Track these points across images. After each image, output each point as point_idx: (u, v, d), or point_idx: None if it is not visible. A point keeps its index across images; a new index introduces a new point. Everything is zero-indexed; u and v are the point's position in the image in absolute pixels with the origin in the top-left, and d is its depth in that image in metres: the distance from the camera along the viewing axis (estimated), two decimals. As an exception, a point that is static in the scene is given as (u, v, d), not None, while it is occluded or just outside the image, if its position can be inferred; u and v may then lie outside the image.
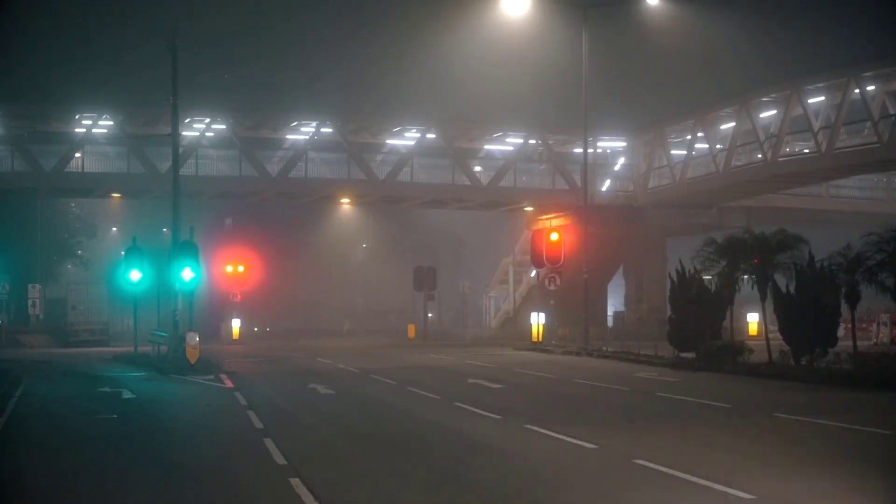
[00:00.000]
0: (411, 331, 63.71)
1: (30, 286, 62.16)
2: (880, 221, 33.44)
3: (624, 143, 62.53)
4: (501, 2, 46.23)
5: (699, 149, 57.12)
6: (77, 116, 55.07)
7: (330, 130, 57.82)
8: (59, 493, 13.62)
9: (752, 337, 44.49)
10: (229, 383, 29.37)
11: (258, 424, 19.77)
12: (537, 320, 49.18)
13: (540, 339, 48.17)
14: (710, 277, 34.86)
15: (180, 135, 42.93)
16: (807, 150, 50.14)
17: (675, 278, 36.14)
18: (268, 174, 56.43)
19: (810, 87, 49.06)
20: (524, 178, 61.32)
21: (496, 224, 75.57)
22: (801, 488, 12.74)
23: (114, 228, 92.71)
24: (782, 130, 50.32)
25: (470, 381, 29.03)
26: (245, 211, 75.13)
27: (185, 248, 35.13)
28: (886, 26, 52.98)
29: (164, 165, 48.89)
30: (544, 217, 61.13)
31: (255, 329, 76.67)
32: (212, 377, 31.63)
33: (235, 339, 61.03)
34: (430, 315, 68.72)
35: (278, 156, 58.44)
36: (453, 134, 59.55)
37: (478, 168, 60.94)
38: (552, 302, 51.41)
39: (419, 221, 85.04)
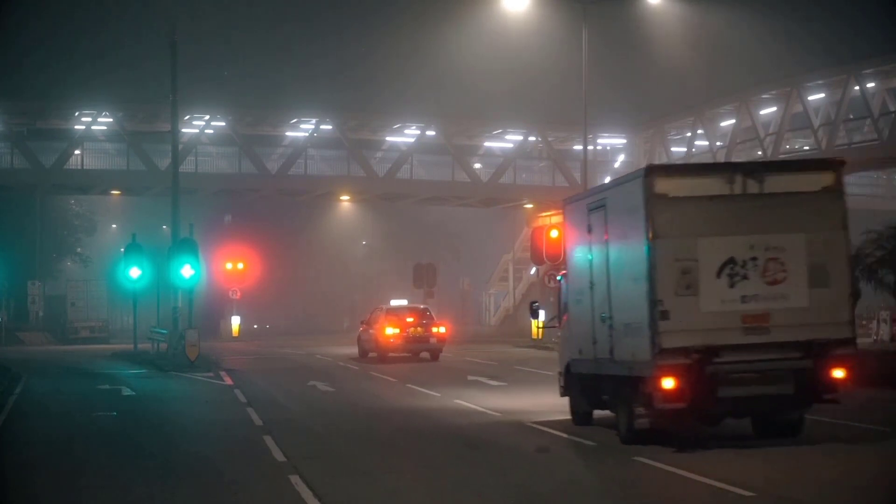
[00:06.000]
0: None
1: (29, 283, 62.10)
2: (880, 218, 33.42)
3: (624, 140, 62.51)
4: (501, -2, 46.16)
5: (699, 146, 57.11)
6: (76, 113, 55.06)
7: (329, 127, 57.80)
8: (58, 490, 13.60)
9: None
10: (229, 380, 29.36)
11: (258, 421, 19.76)
12: (537, 317, 49.10)
13: (540, 337, 48.11)
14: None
15: (180, 131, 42.92)
16: (807, 147, 50.11)
17: (675, 275, 35.97)
18: (267, 171, 56.41)
19: (810, 84, 49.04)
20: (524, 175, 61.32)
21: (496, 221, 75.52)
22: (801, 485, 12.72)
23: (113, 225, 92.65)
24: (782, 127, 50.30)
25: (470, 378, 28.99)
26: (244, 208, 75.08)
27: (185, 245, 35.10)
28: (886, 24, 52.94)
29: (164, 162, 48.89)
30: (544, 214, 61.04)
31: (255, 326, 76.66)
32: (211, 374, 31.62)
33: (235, 337, 60.99)
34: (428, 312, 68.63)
35: (278, 153, 58.44)
36: (453, 131, 59.52)
37: (477, 165, 60.91)
38: (552, 299, 51.31)
39: (419, 218, 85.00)
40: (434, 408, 21.90)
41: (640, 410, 15.59)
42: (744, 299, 15.10)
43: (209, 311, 61.71)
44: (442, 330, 37.75)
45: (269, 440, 16.96)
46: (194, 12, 68.41)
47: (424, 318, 37.82)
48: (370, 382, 28.59)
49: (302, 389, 26.39)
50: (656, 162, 60.11)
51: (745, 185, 15.38)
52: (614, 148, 63.43)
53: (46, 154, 53.97)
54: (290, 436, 17.61)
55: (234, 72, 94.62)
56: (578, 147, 52.01)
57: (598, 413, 17.98)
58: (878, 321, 45.40)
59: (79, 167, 55.04)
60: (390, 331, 36.73)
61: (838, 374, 15.20)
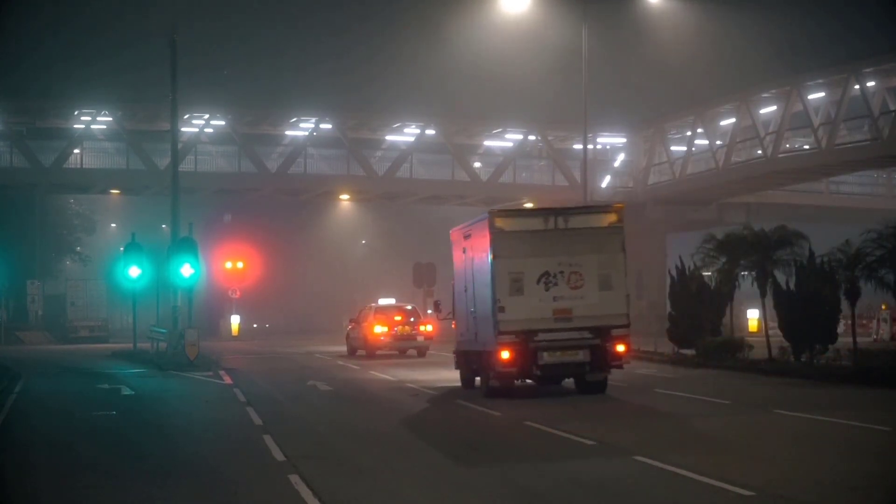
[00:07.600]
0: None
1: (29, 283, 62.12)
2: (880, 217, 33.38)
3: (624, 139, 62.50)
4: (501, -3, 46.19)
5: (699, 145, 57.13)
6: (76, 112, 55.07)
7: (329, 126, 57.80)
8: (58, 490, 13.57)
9: (752, 333, 44.38)
10: (228, 380, 29.35)
11: (257, 421, 19.75)
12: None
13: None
14: (709, 274, 34.77)
15: (179, 131, 42.90)
16: (807, 146, 50.13)
17: (674, 275, 36.07)
18: (267, 170, 56.42)
19: (810, 83, 49.05)
20: (524, 175, 61.34)
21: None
22: (801, 485, 12.70)
23: (113, 225, 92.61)
24: (782, 126, 50.29)
25: (469, 377, 29.00)
26: (244, 207, 75.07)
27: (184, 244, 35.10)
28: (886, 24, 52.96)
29: (163, 161, 48.91)
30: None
31: (255, 325, 76.66)
32: (211, 374, 31.61)
33: (234, 336, 61.03)
34: (429, 311, 68.61)
35: (277, 152, 58.46)
36: (453, 130, 59.51)
37: (477, 164, 60.91)
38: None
39: (419, 218, 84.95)
40: (434, 407, 21.90)
41: (491, 374, 22.75)
42: (555, 299, 22.10)
43: (209, 310, 61.72)
44: (429, 328, 39.57)
45: (268, 439, 16.94)
46: (195, 12, 68.43)
47: (412, 316, 39.82)
48: (370, 382, 28.58)
49: (301, 388, 26.39)
50: (655, 161, 60.36)
51: (556, 223, 22.44)
52: (614, 147, 63.42)
53: (46, 153, 53.98)
54: (289, 435, 17.60)
55: (234, 71, 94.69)
56: (578, 146, 52.04)
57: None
58: (878, 320, 45.50)
59: (78, 166, 55.05)
60: (379, 329, 38.72)
61: (619, 348, 22.41)
